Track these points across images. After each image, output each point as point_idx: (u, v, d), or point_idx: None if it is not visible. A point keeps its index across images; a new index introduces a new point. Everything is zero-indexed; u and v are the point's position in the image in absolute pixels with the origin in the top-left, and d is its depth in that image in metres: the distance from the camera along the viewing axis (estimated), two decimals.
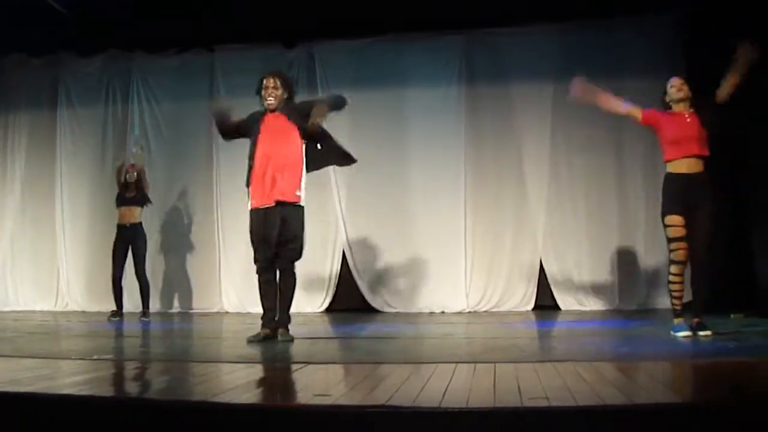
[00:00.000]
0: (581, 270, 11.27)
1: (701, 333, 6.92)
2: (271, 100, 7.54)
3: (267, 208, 7.27)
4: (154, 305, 11.78)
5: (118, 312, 10.73)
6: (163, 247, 12.35)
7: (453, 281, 11.49)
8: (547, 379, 4.34)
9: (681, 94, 7.30)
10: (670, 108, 7.37)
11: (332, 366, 5.60)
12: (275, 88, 7.57)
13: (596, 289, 11.19)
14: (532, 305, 11.36)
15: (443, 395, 3.89)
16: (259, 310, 11.28)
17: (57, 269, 12.72)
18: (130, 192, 10.87)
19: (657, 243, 10.91)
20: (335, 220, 11.88)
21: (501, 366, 4.94)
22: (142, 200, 10.91)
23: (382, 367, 4.95)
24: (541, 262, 11.39)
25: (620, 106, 7.58)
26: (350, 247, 11.84)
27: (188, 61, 12.63)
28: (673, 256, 7.13)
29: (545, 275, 11.38)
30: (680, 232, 7.06)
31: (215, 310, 12.07)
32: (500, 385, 4.22)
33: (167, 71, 12.70)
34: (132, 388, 4.79)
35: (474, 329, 8.84)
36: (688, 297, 7.31)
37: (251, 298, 11.69)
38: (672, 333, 7.03)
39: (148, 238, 11.15)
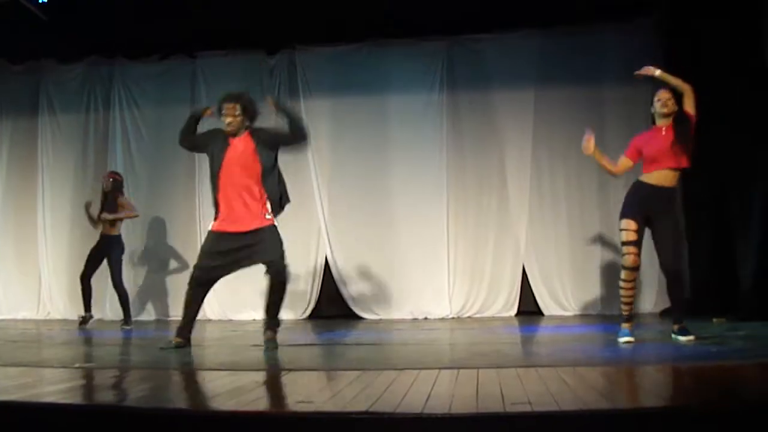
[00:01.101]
0: (564, 275, 11.29)
1: (683, 338, 6.94)
2: (230, 128, 7.37)
3: (231, 233, 7.26)
4: (136, 313, 11.75)
5: (87, 314, 10.86)
6: (144, 254, 12.31)
7: (436, 287, 11.48)
8: (529, 385, 4.35)
9: (665, 110, 7.33)
10: (654, 122, 7.42)
11: (315, 372, 5.60)
12: (235, 113, 7.37)
13: (579, 295, 11.20)
14: (515, 311, 11.36)
15: (426, 401, 3.89)
16: (243, 317, 11.32)
17: (39, 277, 12.64)
18: (108, 204, 10.90)
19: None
20: (317, 226, 11.85)
21: (484, 372, 4.94)
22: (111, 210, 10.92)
23: (364, 374, 4.95)
24: (523, 267, 11.40)
25: (611, 165, 7.65)
26: (333, 254, 11.82)
27: (170, 68, 12.59)
28: (623, 260, 7.21)
29: (528, 281, 11.40)
30: (632, 236, 7.11)
31: (199, 316, 12.01)
32: (483, 390, 4.22)
33: (149, 77, 12.65)
34: (114, 396, 4.77)
35: (457, 335, 8.84)
36: (660, 305, 7.36)
37: (234, 305, 11.72)
38: (618, 338, 7.10)
39: (127, 246, 11.15)
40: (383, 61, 11.89)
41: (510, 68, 11.50)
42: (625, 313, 7.23)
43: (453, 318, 11.28)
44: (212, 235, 7.37)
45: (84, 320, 10.82)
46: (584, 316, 10.81)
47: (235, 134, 7.38)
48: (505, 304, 11.37)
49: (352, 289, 11.75)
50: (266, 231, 7.24)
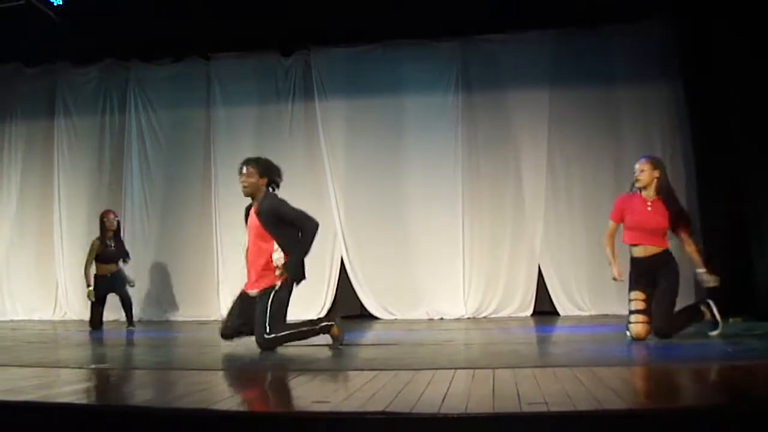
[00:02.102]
0: (579, 275, 11.27)
1: None
2: (244, 189, 7.44)
3: (245, 293, 7.40)
4: (152, 314, 11.80)
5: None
6: (160, 256, 12.34)
7: (451, 288, 11.49)
8: (545, 385, 4.35)
9: (638, 184, 7.46)
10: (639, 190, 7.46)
11: (331, 372, 5.60)
12: (248, 175, 7.40)
13: (595, 295, 11.17)
14: (531, 311, 11.35)
15: (442, 401, 3.89)
16: None
17: (55, 278, 12.70)
18: (113, 245, 10.84)
19: None
20: (333, 227, 11.86)
21: (500, 372, 4.94)
22: (122, 254, 10.91)
23: (381, 374, 4.95)
24: (539, 267, 11.39)
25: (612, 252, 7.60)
26: (348, 255, 11.84)
27: (184, 70, 12.64)
28: (630, 327, 7.19)
29: (544, 281, 11.38)
30: (641, 305, 7.17)
31: (213, 318, 12.03)
32: (499, 390, 4.22)
33: (164, 80, 12.72)
34: (129, 396, 4.79)
35: (473, 335, 8.84)
36: None
37: None
38: None
39: (142, 249, 11.20)
40: (398, 62, 11.90)
41: (524, 69, 11.50)
42: None
43: (469, 318, 11.28)
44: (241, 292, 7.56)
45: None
46: (600, 316, 10.78)
47: (252, 197, 7.48)
48: (521, 304, 11.36)
49: (368, 289, 11.77)
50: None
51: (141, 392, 4.86)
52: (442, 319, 11.32)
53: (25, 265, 12.76)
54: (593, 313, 11.06)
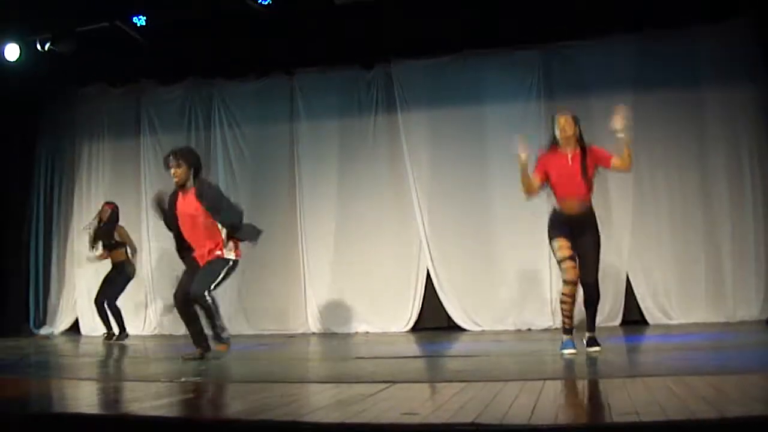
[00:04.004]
0: (668, 284, 11.09)
1: (591, 349, 7.31)
2: (177, 180, 7.92)
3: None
4: (240, 328, 11.92)
5: (109, 331, 11.46)
6: (247, 270, 12.44)
7: (538, 298, 11.38)
8: (636, 394, 4.31)
9: (563, 135, 7.41)
10: (558, 143, 7.45)
11: (419, 385, 5.61)
12: (178, 167, 7.88)
13: (684, 303, 10.99)
14: (619, 320, 11.19)
15: (532, 412, 3.88)
16: (348, 330, 11.46)
17: (144, 294, 12.89)
18: (102, 233, 11.50)
19: (744, 255, 10.77)
20: (418, 239, 11.86)
21: (590, 382, 4.91)
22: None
23: (469, 386, 4.95)
24: (627, 276, 11.25)
25: (527, 175, 7.48)
26: (434, 266, 11.81)
27: (268, 86, 12.78)
28: (563, 275, 7.34)
29: (632, 290, 11.24)
30: (566, 252, 7.28)
31: (300, 331, 12.13)
32: (589, 401, 4.19)
33: (247, 96, 12.87)
34: (219, 409, 4.86)
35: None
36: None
37: (337, 318, 11.83)
38: (560, 350, 7.29)
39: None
40: (479, 71, 11.86)
41: (606, 74, 11.35)
42: (566, 326, 7.44)
43: (556, 329, 11.18)
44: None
45: (108, 337, 11.40)
46: (689, 325, 10.61)
47: (182, 186, 7.99)
48: (609, 313, 11.20)
49: (454, 300, 11.73)
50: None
51: (230, 405, 4.93)
52: (529, 330, 11.25)
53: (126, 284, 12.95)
54: (682, 321, 10.86)
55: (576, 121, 7.51)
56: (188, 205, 7.87)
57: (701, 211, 11.04)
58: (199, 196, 7.81)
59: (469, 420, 3.69)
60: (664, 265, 11.13)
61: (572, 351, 7.21)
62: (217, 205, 7.85)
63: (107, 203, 11.73)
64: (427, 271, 11.87)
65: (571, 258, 7.27)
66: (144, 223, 12.92)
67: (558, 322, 11.09)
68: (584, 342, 7.39)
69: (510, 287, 11.50)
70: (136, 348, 10.47)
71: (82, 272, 13.09)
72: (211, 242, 7.88)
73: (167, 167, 7.97)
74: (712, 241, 10.93)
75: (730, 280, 10.83)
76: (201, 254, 7.90)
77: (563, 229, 7.34)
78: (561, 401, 4.30)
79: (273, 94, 12.75)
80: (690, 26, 11.00)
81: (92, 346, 11.02)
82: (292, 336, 11.77)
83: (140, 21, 11.23)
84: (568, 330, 7.40)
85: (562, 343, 7.35)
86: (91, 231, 11.50)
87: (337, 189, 12.30)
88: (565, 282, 7.31)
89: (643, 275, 11.19)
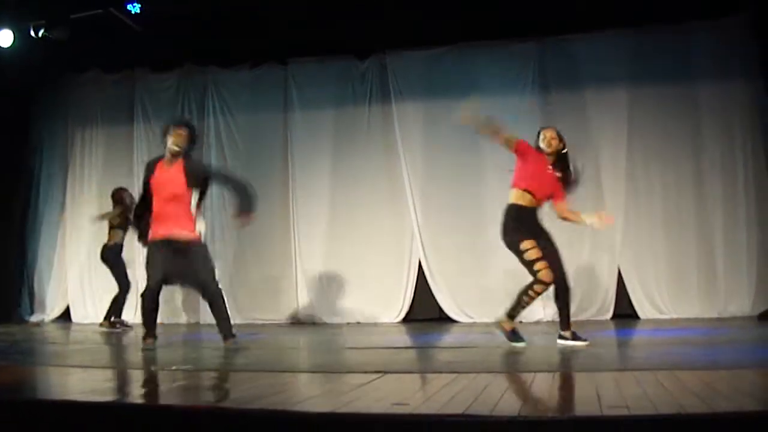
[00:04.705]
0: (660, 278, 11.11)
1: (580, 343, 7.37)
2: (177, 149, 7.84)
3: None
4: (231, 316, 11.86)
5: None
6: (239, 258, 12.45)
7: None
8: (626, 388, 4.31)
9: (549, 150, 7.55)
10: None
11: (410, 375, 5.61)
12: (185, 138, 7.91)
13: (675, 298, 11.02)
14: (610, 314, 11.21)
15: (521, 404, 3.88)
16: (339, 320, 11.46)
17: (136, 281, 12.85)
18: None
19: (736, 250, 10.79)
20: (411, 230, 11.87)
21: (580, 375, 4.91)
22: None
23: (459, 377, 4.95)
24: (619, 270, 11.26)
25: (498, 135, 7.52)
26: (426, 257, 11.83)
27: (262, 75, 12.79)
28: (540, 275, 7.39)
29: (623, 284, 11.25)
30: (538, 253, 7.38)
31: (291, 320, 12.12)
32: (579, 393, 4.20)
33: (241, 85, 12.87)
34: (211, 396, 4.85)
35: (552, 338, 8.77)
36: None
37: (329, 308, 11.83)
38: (514, 342, 7.50)
39: (222, 250, 11.41)
40: (474, 63, 11.85)
41: (602, 68, 11.36)
42: (517, 315, 7.71)
43: (548, 321, 11.18)
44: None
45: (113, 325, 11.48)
46: (680, 319, 10.63)
47: (175, 155, 7.91)
48: (601, 307, 11.23)
49: (446, 292, 11.75)
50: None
51: (221, 393, 4.92)
52: (521, 322, 11.21)
53: (106, 269, 12.89)
54: (674, 316, 10.89)
55: (560, 138, 7.65)
56: (171, 177, 7.82)
57: (694, 206, 11.06)
58: (188, 169, 7.81)
59: (459, 411, 3.69)
60: (656, 260, 11.16)
61: (522, 344, 7.43)
62: (206, 173, 8.05)
63: (122, 189, 11.79)
64: (419, 262, 11.88)
65: (543, 258, 7.34)
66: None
67: (549, 314, 11.17)
68: (568, 340, 7.45)
69: (502, 279, 11.45)
70: (129, 336, 10.47)
71: (73, 259, 13.09)
72: (185, 218, 7.84)
73: (166, 135, 7.90)
74: (705, 236, 10.95)
75: (721, 275, 10.86)
76: (167, 227, 7.81)
77: (533, 228, 7.48)
78: (551, 393, 4.30)
79: (267, 83, 12.75)
80: (686, 22, 11.01)
81: (83, 333, 11.01)
82: (282, 325, 11.77)
83: (135, 8, 11.17)
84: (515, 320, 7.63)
85: (515, 334, 7.59)
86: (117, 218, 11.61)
87: (330, 179, 12.29)
88: (542, 283, 7.37)
89: (635, 269, 11.21)
